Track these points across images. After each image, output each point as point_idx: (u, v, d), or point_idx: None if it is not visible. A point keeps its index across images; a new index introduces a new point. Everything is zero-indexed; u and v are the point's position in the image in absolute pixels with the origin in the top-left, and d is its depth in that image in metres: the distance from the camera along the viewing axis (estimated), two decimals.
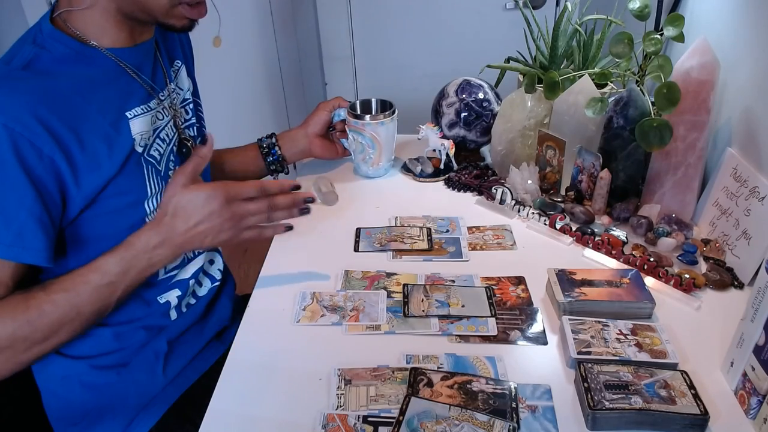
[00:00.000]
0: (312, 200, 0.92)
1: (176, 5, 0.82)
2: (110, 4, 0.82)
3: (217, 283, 1.08)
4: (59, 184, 0.78)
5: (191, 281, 1.00)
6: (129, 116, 0.86)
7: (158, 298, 0.96)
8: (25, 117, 0.74)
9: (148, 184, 0.88)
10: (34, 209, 0.76)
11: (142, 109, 0.89)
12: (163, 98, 0.94)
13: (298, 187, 0.90)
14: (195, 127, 1.04)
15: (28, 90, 0.76)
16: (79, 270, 0.81)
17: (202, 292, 1.05)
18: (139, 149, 0.87)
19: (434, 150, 1.27)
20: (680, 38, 1.01)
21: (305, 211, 0.91)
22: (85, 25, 0.83)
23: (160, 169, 0.91)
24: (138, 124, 0.87)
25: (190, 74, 1.06)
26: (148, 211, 0.89)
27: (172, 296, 0.97)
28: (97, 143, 0.81)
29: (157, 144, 0.91)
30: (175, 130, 0.96)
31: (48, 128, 0.76)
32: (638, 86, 1.04)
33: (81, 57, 0.83)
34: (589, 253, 1.01)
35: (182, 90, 1.02)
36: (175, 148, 0.96)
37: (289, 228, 0.91)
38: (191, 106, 1.03)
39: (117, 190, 0.84)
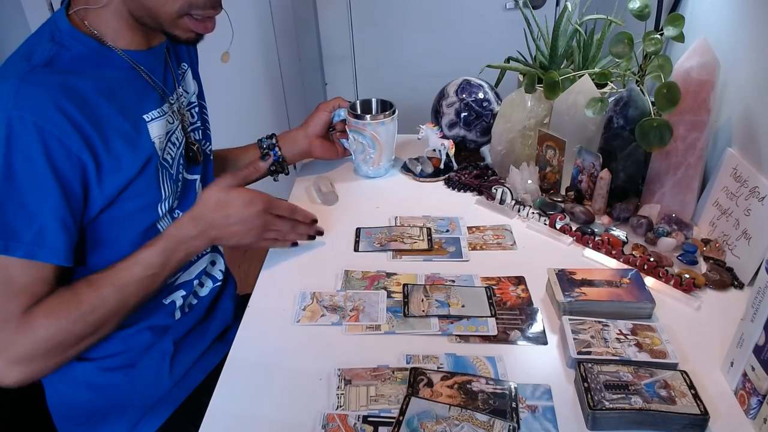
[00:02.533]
0: (322, 233, 1.05)
1: (183, 16, 0.82)
2: (122, 6, 0.82)
3: (219, 284, 1.08)
4: (84, 184, 0.79)
5: (195, 282, 1.01)
6: (147, 119, 0.87)
7: (163, 299, 0.96)
8: (55, 115, 0.74)
9: (162, 187, 0.89)
10: (57, 209, 0.76)
11: (157, 112, 0.89)
12: (172, 102, 0.95)
13: (316, 221, 1.02)
14: (200, 130, 1.04)
15: (55, 87, 0.76)
16: (123, 263, 0.84)
17: (204, 292, 1.05)
18: (159, 152, 0.88)
19: (434, 150, 1.27)
20: (680, 38, 1.01)
21: (312, 238, 1.03)
22: (102, 25, 0.83)
23: (172, 172, 0.92)
24: (155, 128, 0.88)
25: (196, 77, 1.06)
26: (161, 214, 0.90)
27: (177, 297, 0.98)
28: (120, 144, 0.82)
29: (170, 147, 0.92)
30: (183, 134, 0.97)
31: (76, 126, 0.76)
32: (638, 86, 1.04)
33: (99, 57, 0.83)
34: (589, 253, 1.01)
35: (188, 93, 1.02)
36: (183, 151, 0.96)
37: (295, 244, 1.01)
38: (196, 109, 1.04)
39: (134, 193, 0.85)
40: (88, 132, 0.78)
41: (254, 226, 0.91)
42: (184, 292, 0.99)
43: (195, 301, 1.03)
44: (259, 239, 0.94)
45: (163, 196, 0.90)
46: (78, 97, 0.78)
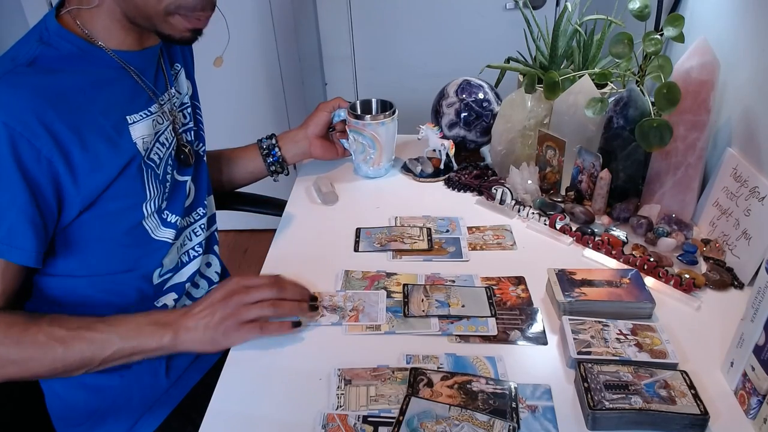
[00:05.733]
0: (316, 300, 0.87)
1: (171, 13, 0.80)
2: (116, 7, 0.81)
3: (215, 285, 1.08)
4: (55, 186, 0.78)
5: (187, 284, 1.00)
6: (129, 120, 0.86)
7: (155, 302, 0.96)
8: (27, 116, 0.74)
9: (146, 187, 0.88)
10: (26, 209, 0.75)
11: (143, 114, 0.89)
12: (163, 103, 0.94)
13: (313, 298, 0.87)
14: (192, 131, 1.03)
15: (32, 87, 0.76)
16: (91, 341, 0.79)
17: (199, 293, 1.05)
18: (142, 153, 0.87)
19: (434, 150, 1.27)
20: (680, 38, 1.02)
21: (314, 308, 0.85)
22: (94, 25, 0.83)
23: (158, 173, 0.91)
24: (139, 128, 0.87)
25: (190, 77, 1.05)
26: (146, 214, 0.89)
27: (169, 299, 0.97)
28: (100, 144, 0.81)
29: (157, 148, 0.91)
30: (173, 135, 0.96)
31: (48, 128, 0.75)
32: (638, 86, 1.04)
33: (86, 56, 0.83)
34: (589, 253, 1.01)
35: (180, 94, 1.02)
36: (173, 152, 0.96)
37: (298, 324, 0.83)
38: (189, 110, 1.03)
39: (117, 193, 0.84)
40: (62, 133, 0.77)
41: (222, 303, 0.80)
42: (176, 295, 0.98)
43: (189, 303, 1.03)
44: (236, 324, 0.80)
45: (148, 197, 0.89)
46: (56, 96, 0.77)
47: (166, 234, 0.93)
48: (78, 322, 0.80)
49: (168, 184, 0.94)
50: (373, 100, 1.27)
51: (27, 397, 0.97)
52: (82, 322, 0.80)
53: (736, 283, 0.92)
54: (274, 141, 1.21)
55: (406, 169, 1.29)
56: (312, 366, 0.79)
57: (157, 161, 0.91)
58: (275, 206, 1.30)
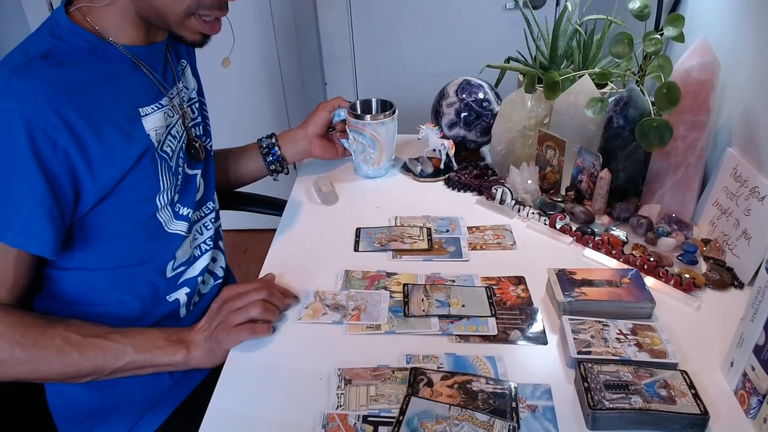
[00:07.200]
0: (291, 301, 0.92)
1: (190, 16, 0.83)
2: (130, 5, 0.82)
3: (220, 281, 1.08)
4: (72, 177, 0.79)
5: (199, 278, 1.01)
6: (142, 113, 0.87)
7: (167, 297, 0.96)
8: (43, 108, 0.75)
9: (160, 179, 0.89)
10: (44, 200, 0.76)
11: (154, 106, 0.90)
12: (172, 96, 0.95)
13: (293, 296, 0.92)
14: (200, 126, 1.05)
15: (47, 80, 0.77)
16: (105, 349, 0.82)
17: (206, 290, 1.05)
18: (155, 144, 0.88)
19: (434, 150, 1.27)
20: (680, 38, 1.02)
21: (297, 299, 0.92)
22: (103, 21, 0.83)
23: (171, 165, 0.92)
24: (152, 120, 0.88)
25: (195, 73, 1.07)
26: (159, 206, 0.90)
27: (182, 294, 0.98)
28: (114, 135, 0.82)
29: (169, 140, 0.92)
30: (183, 129, 0.97)
31: (64, 120, 0.76)
32: (638, 86, 1.04)
33: (97, 50, 0.83)
34: (589, 253, 1.01)
35: (188, 89, 1.03)
36: (184, 145, 0.97)
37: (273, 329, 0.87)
38: (197, 105, 1.05)
39: (132, 185, 0.85)
40: (78, 125, 0.77)
41: (217, 313, 0.85)
42: (188, 290, 0.99)
43: (197, 299, 1.03)
44: (228, 325, 0.83)
45: (162, 188, 0.90)
46: (70, 88, 0.78)
47: (179, 227, 0.94)
48: (94, 330, 0.83)
49: (180, 177, 0.95)
50: (373, 100, 1.27)
51: (28, 395, 0.97)
52: (98, 329, 0.83)
53: (736, 283, 0.92)
54: (273, 140, 1.21)
55: (406, 169, 1.29)
56: (312, 366, 0.79)
57: (170, 153, 0.92)
58: (275, 206, 1.31)
